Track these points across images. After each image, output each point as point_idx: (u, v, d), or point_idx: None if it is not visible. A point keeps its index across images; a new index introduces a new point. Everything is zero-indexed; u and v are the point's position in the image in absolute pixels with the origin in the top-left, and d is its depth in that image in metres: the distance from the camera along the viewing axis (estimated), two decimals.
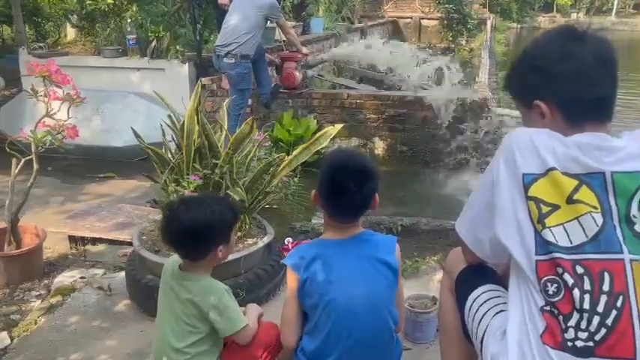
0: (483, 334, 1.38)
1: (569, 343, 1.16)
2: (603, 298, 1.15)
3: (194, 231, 1.70)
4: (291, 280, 1.66)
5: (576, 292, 1.15)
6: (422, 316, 2.34)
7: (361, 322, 1.60)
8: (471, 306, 1.47)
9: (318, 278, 1.60)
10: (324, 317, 1.60)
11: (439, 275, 2.91)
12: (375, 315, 1.63)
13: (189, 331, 1.73)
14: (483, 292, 1.47)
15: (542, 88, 1.32)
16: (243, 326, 1.74)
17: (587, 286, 1.16)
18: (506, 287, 1.45)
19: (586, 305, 1.15)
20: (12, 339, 2.45)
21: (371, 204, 1.65)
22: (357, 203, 1.63)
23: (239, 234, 2.73)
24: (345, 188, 1.58)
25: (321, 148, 2.95)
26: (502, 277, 1.52)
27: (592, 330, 1.14)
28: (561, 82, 1.29)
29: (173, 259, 1.84)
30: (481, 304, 1.45)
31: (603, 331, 1.14)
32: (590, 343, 1.14)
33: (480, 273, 1.52)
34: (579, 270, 1.16)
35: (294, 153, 2.93)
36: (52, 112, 2.77)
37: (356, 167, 1.61)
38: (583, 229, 1.18)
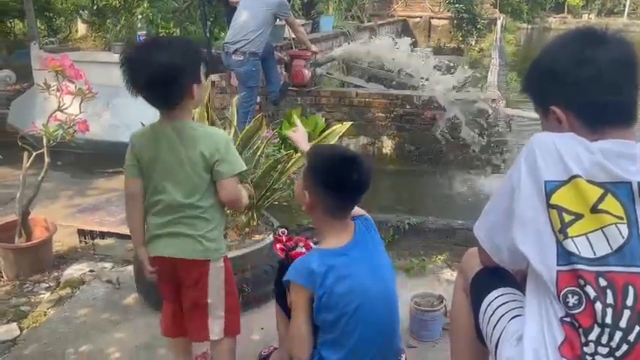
0: (499, 338, 1.37)
1: (589, 358, 1.13)
2: (627, 313, 1.12)
3: (169, 70, 1.64)
4: (300, 296, 1.60)
5: (598, 306, 1.12)
6: (428, 315, 2.35)
7: (384, 324, 1.63)
8: (487, 309, 1.45)
9: (337, 291, 1.56)
10: (350, 327, 1.58)
11: (445, 274, 2.91)
12: (392, 313, 1.68)
13: (197, 183, 1.74)
14: (499, 296, 1.45)
15: (559, 94, 1.28)
16: (240, 171, 1.77)
17: (609, 299, 1.12)
18: (523, 290, 1.43)
19: (608, 320, 1.12)
20: (21, 330, 2.48)
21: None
22: (359, 190, 1.64)
23: (247, 230, 2.75)
24: (349, 175, 1.59)
25: None
26: (519, 280, 1.50)
27: (613, 345, 1.12)
28: (578, 88, 1.25)
29: (141, 129, 1.84)
30: (497, 308, 1.43)
31: (625, 347, 1.11)
32: (611, 359, 1.12)
33: (496, 275, 1.50)
34: (602, 282, 1.13)
35: None
36: (63, 107, 2.80)
37: (351, 154, 1.67)
38: (607, 241, 1.14)
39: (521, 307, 1.38)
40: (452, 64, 6.89)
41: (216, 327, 1.86)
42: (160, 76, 1.65)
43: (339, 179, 1.60)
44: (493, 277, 1.50)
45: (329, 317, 1.59)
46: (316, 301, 1.58)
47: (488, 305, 1.45)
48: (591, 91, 1.24)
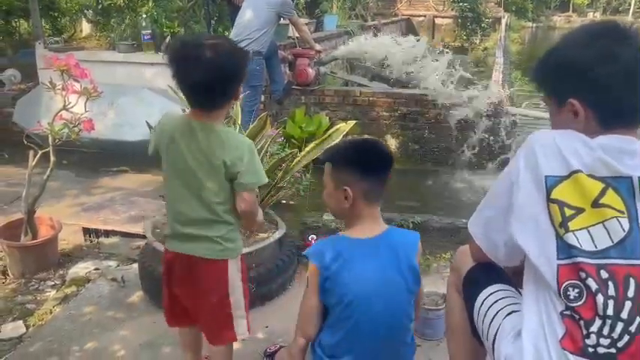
0: (495, 335, 1.37)
1: (591, 349, 1.14)
2: (628, 305, 1.13)
3: (227, 73, 1.63)
4: (313, 274, 1.64)
5: (600, 298, 1.13)
6: (432, 313, 2.35)
7: (380, 323, 1.61)
8: (481, 307, 1.46)
9: (339, 278, 1.59)
10: (345, 315, 1.60)
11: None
12: (394, 317, 1.63)
13: (216, 189, 1.71)
14: (493, 292, 1.46)
15: (580, 89, 1.26)
16: (261, 183, 1.74)
17: (611, 291, 1.13)
18: (514, 286, 1.45)
19: (610, 311, 1.13)
20: (27, 328, 2.50)
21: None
22: (384, 165, 1.66)
23: None
24: (377, 153, 1.66)
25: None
26: (511, 277, 1.51)
27: (615, 336, 1.13)
28: (602, 85, 1.23)
29: (173, 118, 1.79)
30: (491, 305, 1.43)
31: (626, 337, 1.12)
32: (613, 350, 1.13)
33: (489, 272, 1.50)
34: (604, 275, 1.14)
35: (307, 149, 2.95)
36: (69, 106, 2.81)
37: (362, 138, 1.73)
38: (608, 234, 1.16)
39: (515, 304, 1.38)
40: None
41: (240, 327, 1.85)
42: (218, 78, 1.61)
43: (362, 158, 1.64)
44: (486, 273, 1.51)
45: (329, 301, 1.62)
46: (320, 282, 1.61)
47: (482, 303, 1.46)
48: (615, 88, 1.23)
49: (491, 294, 1.46)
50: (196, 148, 1.70)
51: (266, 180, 1.76)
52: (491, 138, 5.80)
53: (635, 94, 1.24)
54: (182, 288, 1.86)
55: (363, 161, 1.64)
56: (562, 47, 1.34)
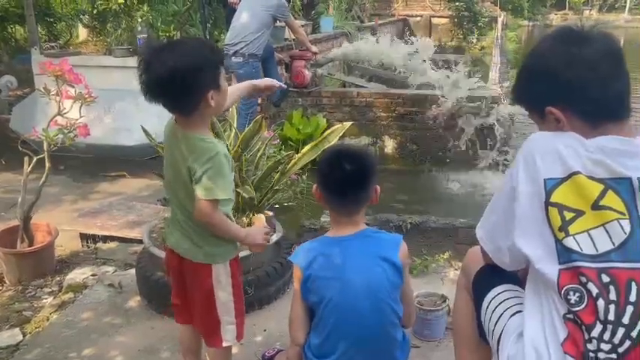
0: (500, 335, 1.37)
1: (592, 355, 1.13)
2: (629, 310, 1.12)
3: (179, 75, 1.53)
4: (296, 276, 1.66)
5: (601, 303, 1.12)
6: (431, 314, 2.34)
7: (363, 319, 1.60)
8: (488, 306, 1.46)
9: (320, 275, 1.61)
10: (326, 314, 1.61)
11: (448, 273, 2.91)
12: (377, 312, 1.62)
13: (192, 195, 1.66)
14: (500, 292, 1.45)
15: (553, 95, 1.28)
16: (213, 199, 1.62)
17: (612, 296, 1.12)
18: (524, 287, 1.44)
19: (611, 316, 1.12)
20: (24, 335, 2.48)
21: (371, 192, 1.65)
22: (356, 186, 1.62)
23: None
24: (342, 169, 1.60)
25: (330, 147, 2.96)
26: (521, 278, 1.49)
27: (616, 342, 1.12)
28: (572, 88, 1.25)
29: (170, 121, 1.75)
30: (498, 305, 1.43)
31: (627, 343, 1.11)
32: (613, 355, 1.12)
33: (497, 273, 1.49)
34: (605, 279, 1.13)
35: (303, 151, 2.94)
36: (64, 111, 2.80)
37: (350, 150, 1.70)
38: (609, 236, 1.15)
39: (522, 304, 1.37)
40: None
41: (228, 334, 1.83)
42: (170, 82, 1.54)
43: (328, 172, 1.64)
44: (494, 274, 1.50)
45: (312, 301, 1.63)
46: (302, 282, 1.63)
47: (490, 302, 1.46)
48: (586, 89, 1.24)
49: (499, 294, 1.45)
50: (174, 152, 1.71)
51: (223, 196, 1.65)
52: (490, 137, 5.79)
53: (609, 89, 1.24)
54: (176, 284, 1.89)
55: (323, 172, 1.65)
56: (529, 62, 1.37)
